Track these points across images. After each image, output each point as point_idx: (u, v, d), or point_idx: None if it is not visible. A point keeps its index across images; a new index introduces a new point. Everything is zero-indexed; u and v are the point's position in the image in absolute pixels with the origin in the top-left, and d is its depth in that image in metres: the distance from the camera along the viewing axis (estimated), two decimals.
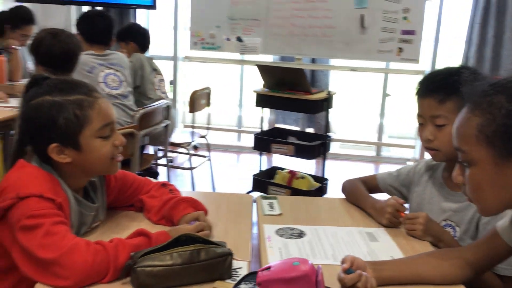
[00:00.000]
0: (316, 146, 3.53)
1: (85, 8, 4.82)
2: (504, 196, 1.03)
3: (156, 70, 3.82)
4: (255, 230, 1.52)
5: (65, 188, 1.31)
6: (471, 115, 1.03)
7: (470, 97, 1.06)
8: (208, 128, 4.18)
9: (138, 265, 1.12)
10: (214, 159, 4.34)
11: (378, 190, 1.75)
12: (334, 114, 5.35)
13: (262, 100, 3.64)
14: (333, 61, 4.98)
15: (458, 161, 1.08)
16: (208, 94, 4.10)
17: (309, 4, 4.42)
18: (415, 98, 1.51)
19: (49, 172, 1.30)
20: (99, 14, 3.35)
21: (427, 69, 4.63)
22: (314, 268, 0.96)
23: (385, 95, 5.19)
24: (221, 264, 1.18)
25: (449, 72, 1.47)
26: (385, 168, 1.79)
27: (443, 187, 1.57)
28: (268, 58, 5.01)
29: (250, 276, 1.13)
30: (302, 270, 0.92)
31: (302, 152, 3.51)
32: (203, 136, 4.13)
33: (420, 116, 1.50)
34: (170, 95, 4.76)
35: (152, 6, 4.70)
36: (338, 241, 1.45)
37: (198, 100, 3.90)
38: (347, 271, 1.12)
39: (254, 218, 1.61)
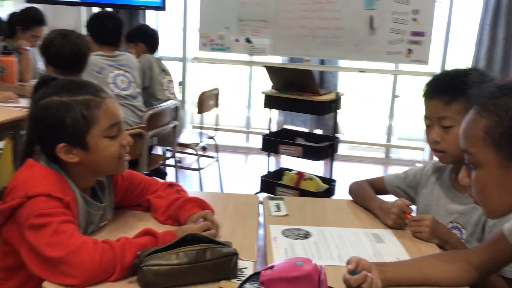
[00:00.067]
0: (324, 147, 3.52)
1: (95, 9, 4.86)
2: (510, 199, 1.02)
3: (165, 71, 3.84)
4: (261, 231, 1.52)
5: (73, 188, 1.33)
6: (478, 117, 1.02)
7: (477, 99, 1.05)
8: (216, 129, 4.20)
9: (145, 264, 1.13)
10: (222, 160, 4.35)
11: (385, 191, 1.75)
12: (342, 116, 5.35)
13: (270, 101, 3.64)
14: (342, 63, 4.98)
15: (465, 163, 1.07)
16: (217, 95, 4.11)
17: (317, 6, 4.41)
18: (422, 99, 1.51)
19: (57, 172, 1.32)
20: (109, 15, 3.38)
21: (437, 70, 4.62)
22: (317, 268, 0.96)
23: (394, 96, 5.17)
24: (226, 264, 1.18)
25: (456, 74, 1.47)
26: (394, 170, 1.79)
27: (450, 189, 1.57)
28: (276, 60, 5.02)
29: (255, 276, 1.14)
30: (305, 270, 0.92)
31: (310, 154, 3.50)
32: (212, 137, 4.14)
33: (427, 117, 1.50)
34: (178, 96, 4.77)
35: (162, 7, 4.73)
36: (344, 242, 1.45)
37: (207, 101, 3.92)
38: (353, 272, 1.12)
39: (261, 219, 1.62)
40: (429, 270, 1.23)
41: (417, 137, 5.57)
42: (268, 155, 4.01)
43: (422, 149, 5.11)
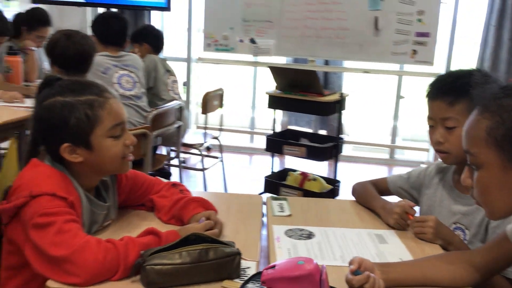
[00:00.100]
0: (328, 148, 3.52)
1: (101, 10, 4.87)
2: None
3: (169, 71, 3.85)
4: (265, 231, 1.53)
5: (77, 187, 1.33)
6: (481, 118, 1.02)
7: (480, 99, 1.05)
8: (220, 130, 4.20)
9: (148, 263, 1.13)
10: (227, 161, 4.36)
11: (388, 192, 1.75)
12: (347, 116, 5.34)
13: (274, 102, 3.64)
14: (347, 63, 4.97)
15: (467, 163, 1.07)
16: (221, 96, 4.12)
17: (322, 6, 4.42)
18: (426, 100, 1.51)
19: (61, 171, 1.33)
20: (114, 16, 3.39)
21: (442, 71, 4.60)
22: (319, 268, 0.96)
23: (399, 97, 5.16)
24: (229, 263, 1.19)
25: (460, 75, 1.47)
26: (399, 171, 1.79)
27: (453, 189, 1.57)
28: (281, 60, 5.02)
29: (258, 276, 1.14)
30: (306, 269, 0.93)
31: (314, 154, 3.50)
32: (216, 137, 4.15)
33: (430, 118, 1.50)
34: (183, 96, 4.78)
35: (167, 8, 4.74)
36: (347, 243, 1.45)
37: (211, 101, 3.92)
38: (355, 273, 1.12)
39: (265, 219, 1.62)
40: (431, 271, 1.23)
41: (422, 138, 5.56)
42: (272, 156, 4.02)
43: (427, 150, 5.10)
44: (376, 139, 5.73)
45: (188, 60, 5.37)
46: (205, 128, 3.98)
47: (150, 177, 1.62)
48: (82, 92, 1.31)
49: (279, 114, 5.32)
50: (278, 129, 4.79)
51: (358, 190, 1.76)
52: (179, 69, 4.54)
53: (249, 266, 1.25)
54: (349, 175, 4.26)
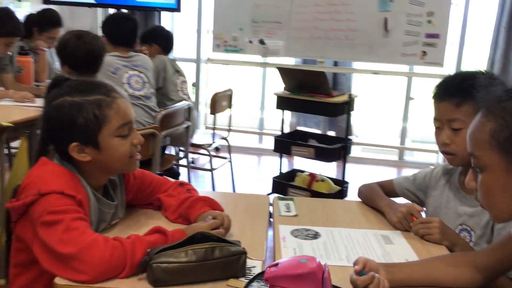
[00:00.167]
0: (336, 149, 3.52)
1: (111, 11, 4.91)
2: None
3: (178, 72, 3.87)
4: (271, 232, 1.53)
5: (85, 186, 1.35)
6: (485, 121, 1.02)
7: (484, 102, 1.05)
8: (229, 130, 4.21)
9: (154, 261, 1.15)
10: (235, 161, 4.37)
11: (394, 194, 1.75)
12: (356, 118, 5.34)
13: (283, 103, 3.65)
14: (356, 64, 4.96)
15: (471, 166, 1.07)
16: (230, 96, 4.13)
17: (331, 7, 4.41)
18: (432, 101, 1.51)
19: (70, 170, 1.34)
20: (124, 17, 3.41)
21: (452, 73, 4.57)
22: (321, 266, 0.97)
23: (408, 98, 5.15)
24: (235, 262, 1.20)
25: (466, 76, 1.47)
26: (408, 173, 1.79)
27: (459, 191, 1.57)
28: (290, 61, 5.02)
29: (263, 275, 1.15)
30: (309, 267, 0.93)
31: (322, 155, 3.50)
32: (224, 138, 4.16)
33: (436, 119, 1.50)
34: (192, 96, 4.80)
35: (177, 9, 4.77)
36: (353, 243, 1.46)
37: (220, 102, 3.94)
38: (360, 273, 1.13)
39: (271, 219, 1.63)
40: (436, 271, 1.23)
41: (432, 139, 5.48)
42: (281, 156, 4.02)
43: (436, 152, 5.08)
44: (385, 140, 5.72)
45: (197, 60, 5.39)
46: (214, 128, 4.00)
47: (157, 176, 1.63)
48: (90, 92, 1.33)
49: (287, 115, 5.32)
50: (287, 130, 4.79)
51: (364, 191, 1.76)
52: (188, 70, 4.56)
53: (255, 265, 1.26)
54: (358, 177, 4.26)
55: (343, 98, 3.54)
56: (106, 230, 1.42)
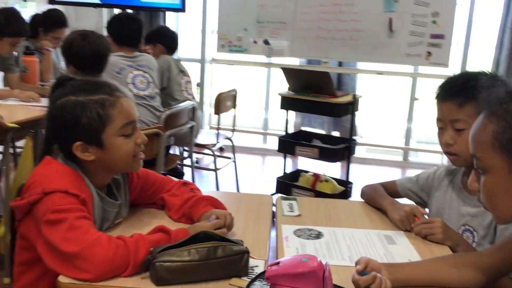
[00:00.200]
0: (340, 149, 3.52)
1: (117, 11, 4.92)
2: None
3: (183, 72, 3.88)
4: (274, 232, 1.53)
5: (89, 185, 1.36)
6: (487, 122, 1.02)
7: (486, 103, 1.05)
8: (233, 130, 4.22)
9: (157, 260, 1.15)
10: (239, 161, 4.38)
11: (397, 195, 1.75)
12: (361, 118, 5.33)
13: (287, 103, 3.65)
14: (360, 65, 4.96)
15: (474, 167, 1.07)
16: (234, 96, 4.13)
17: (336, 8, 4.41)
18: (435, 102, 1.51)
19: (74, 169, 1.35)
20: (129, 17, 3.42)
21: (456, 73, 4.57)
22: (322, 265, 0.97)
23: (413, 99, 5.14)
24: (237, 261, 1.20)
25: (469, 76, 1.47)
26: (412, 174, 1.79)
27: (462, 191, 1.57)
28: (294, 61, 5.02)
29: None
30: (310, 266, 0.94)
31: (326, 155, 3.50)
32: (229, 138, 4.16)
33: (439, 120, 1.50)
34: (196, 96, 4.81)
35: (181, 9, 4.78)
36: (356, 243, 1.46)
37: (224, 102, 3.94)
38: (361, 273, 1.13)
39: (274, 219, 1.63)
40: (438, 272, 1.23)
41: (436, 140, 5.50)
42: (285, 157, 4.02)
43: (441, 152, 5.06)
44: (389, 141, 5.71)
45: (202, 60, 5.40)
46: (218, 128, 4.00)
47: (161, 176, 1.64)
48: (93, 92, 1.34)
49: (292, 115, 5.32)
50: (291, 130, 4.79)
51: (367, 191, 1.77)
52: (193, 70, 4.57)
53: (257, 265, 1.26)
54: (362, 177, 4.26)
55: (347, 98, 3.54)
56: (109, 229, 1.43)
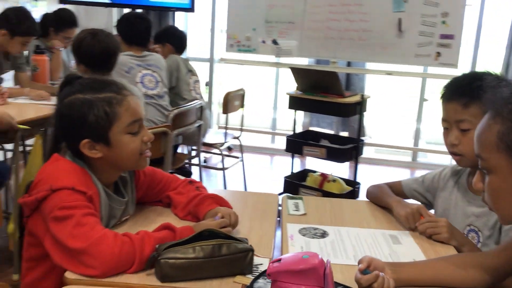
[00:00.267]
0: (347, 149, 3.52)
1: (126, 11, 4.95)
2: None
3: (191, 71, 3.89)
4: (280, 232, 1.54)
5: (96, 182, 1.37)
6: (492, 122, 1.02)
7: (491, 104, 1.05)
8: (241, 130, 4.23)
9: (162, 257, 1.16)
10: (247, 161, 4.39)
11: (403, 195, 1.75)
12: (370, 119, 5.32)
13: (295, 103, 3.65)
14: (369, 65, 4.95)
15: (478, 168, 1.07)
16: (242, 96, 4.14)
17: (345, 8, 4.40)
18: (440, 102, 1.51)
19: (81, 167, 1.37)
20: (138, 16, 3.45)
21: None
22: (323, 262, 0.98)
23: (422, 100, 5.12)
24: (242, 259, 1.21)
25: (475, 76, 1.46)
26: (421, 175, 1.79)
27: (467, 192, 1.56)
28: (303, 61, 5.02)
29: None
30: (311, 263, 0.94)
31: (333, 155, 3.50)
32: (237, 137, 4.17)
33: (444, 120, 1.50)
34: (205, 96, 4.83)
35: (190, 9, 4.80)
36: (361, 242, 1.46)
37: (232, 101, 3.95)
38: (364, 272, 1.13)
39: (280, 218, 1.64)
40: (443, 272, 1.23)
41: None
42: (292, 156, 4.03)
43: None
44: (398, 142, 5.69)
45: (210, 60, 5.42)
46: (226, 128, 4.02)
47: (167, 174, 1.65)
48: (101, 90, 1.35)
49: (300, 115, 5.32)
50: (299, 130, 4.79)
51: (373, 190, 1.77)
52: (201, 69, 4.59)
53: (262, 263, 1.27)
54: (370, 178, 4.25)
55: (355, 98, 3.53)
56: (116, 226, 1.44)
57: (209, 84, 5.44)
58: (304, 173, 3.71)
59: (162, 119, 3.20)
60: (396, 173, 4.97)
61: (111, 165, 1.40)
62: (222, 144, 3.96)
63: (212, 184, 4.40)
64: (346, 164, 4.73)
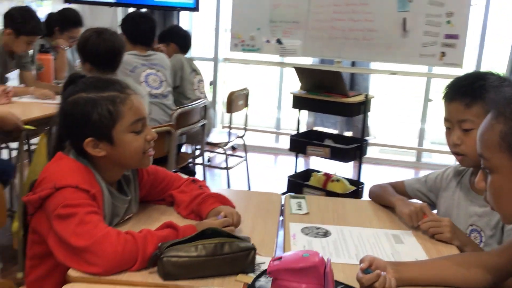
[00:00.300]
0: (351, 149, 3.51)
1: (131, 10, 4.96)
2: None
3: (195, 71, 3.90)
4: (281, 231, 1.54)
5: (99, 181, 1.38)
6: (495, 122, 1.02)
7: (494, 103, 1.05)
8: (245, 129, 4.23)
9: (165, 255, 1.17)
10: (251, 160, 4.39)
11: (406, 195, 1.74)
12: (374, 119, 5.31)
13: (299, 102, 3.66)
14: (374, 65, 4.94)
15: (481, 167, 1.07)
16: (246, 95, 4.15)
17: (349, 7, 4.40)
18: (442, 102, 1.51)
19: (85, 165, 1.37)
20: (142, 16, 3.45)
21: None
22: (323, 260, 0.98)
23: (427, 100, 5.10)
24: (244, 258, 1.21)
25: (476, 77, 1.46)
26: (424, 174, 1.79)
27: (470, 191, 1.56)
28: (307, 61, 5.02)
29: None
30: (311, 261, 0.95)
31: (337, 155, 3.50)
32: (240, 137, 4.18)
33: (447, 120, 1.50)
34: (209, 95, 4.83)
35: (195, 8, 4.80)
36: (363, 242, 1.46)
37: (236, 101, 3.96)
38: (366, 271, 1.13)
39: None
40: (445, 271, 1.23)
41: None
42: (296, 156, 4.03)
43: None
44: (403, 141, 5.68)
45: (215, 60, 5.42)
46: (230, 127, 4.02)
47: (170, 173, 1.66)
48: (104, 89, 1.36)
49: (305, 115, 5.32)
50: (303, 129, 4.79)
51: (376, 190, 1.77)
52: (206, 69, 4.59)
53: (264, 262, 1.27)
54: (374, 178, 4.23)
55: (359, 98, 3.53)
56: (119, 225, 1.45)
57: (213, 83, 5.45)
58: (308, 173, 3.72)
59: (166, 119, 3.21)
60: (401, 173, 4.96)
61: (115, 163, 1.41)
62: (226, 143, 3.97)
63: (216, 183, 4.41)
64: (351, 164, 4.73)
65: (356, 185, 3.55)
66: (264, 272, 1.15)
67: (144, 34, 3.29)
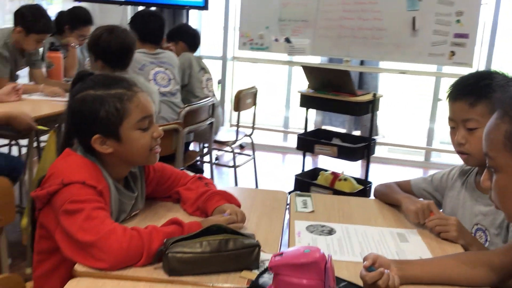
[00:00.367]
0: (359, 148, 3.51)
1: (140, 8, 4.99)
2: None
3: (204, 69, 3.92)
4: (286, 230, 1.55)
5: (106, 177, 1.39)
6: (500, 122, 1.02)
7: (500, 103, 1.05)
8: (253, 128, 4.24)
9: (170, 251, 1.18)
10: (259, 159, 4.39)
11: (412, 194, 1.74)
12: (383, 118, 5.30)
13: (307, 101, 3.66)
14: (383, 64, 4.93)
15: (486, 166, 1.07)
16: (254, 94, 4.15)
17: (358, 6, 4.40)
18: (447, 101, 1.51)
19: (92, 162, 1.39)
20: (151, 14, 3.48)
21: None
22: (324, 256, 0.99)
23: (436, 99, 5.08)
24: (248, 255, 1.22)
25: (481, 76, 1.46)
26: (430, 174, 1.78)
27: (475, 191, 1.56)
28: (316, 60, 5.02)
29: None
30: (312, 257, 0.95)
31: (345, 154, 3.50)
32: (248, 135, 4.18)
33: (451, 119, 1.50)
34: (218, 94, 4.84)
35: (204, 7, 4.82)
36: (368, 240, 1.46)
37: (243, 99, 3.97)
38: (369, 269, 1.13)
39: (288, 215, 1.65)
40: (448, 270, 1.23)
41: None
42: (304, 155, 4.03)
43: None
44: (412, 141, 5.66)
45: (223, 58, 5.44)
46: (238, 126, 4.03)
47: (177, 170, 1.67)
48: (112, 86, 1.38)
49: (313, 114, 5.32)
50: (311, 128, 4.79)
51: (381, 189, 1.77)
52: (214, 67, 4.61)
53: (268, 259, 1.27)
54: (382, 177, 4.22)
55: (367, 97, 3.52)
56: (126, 221, 1.46)
57: (221, 82, 5.46)
58: (315, 172, 3.72)
59: (174, 117, 3.23)
60: (409, 173, 4.94)
61: (122, 160, 1.42)
62: (234, 142, 3.98)
63: (224, 182, 4.42)
64: (359, 163, 4.72)
65: (364, 184, 3.54)
66: (267, 269, 1.16)
67: (153, 33, 3.31)
